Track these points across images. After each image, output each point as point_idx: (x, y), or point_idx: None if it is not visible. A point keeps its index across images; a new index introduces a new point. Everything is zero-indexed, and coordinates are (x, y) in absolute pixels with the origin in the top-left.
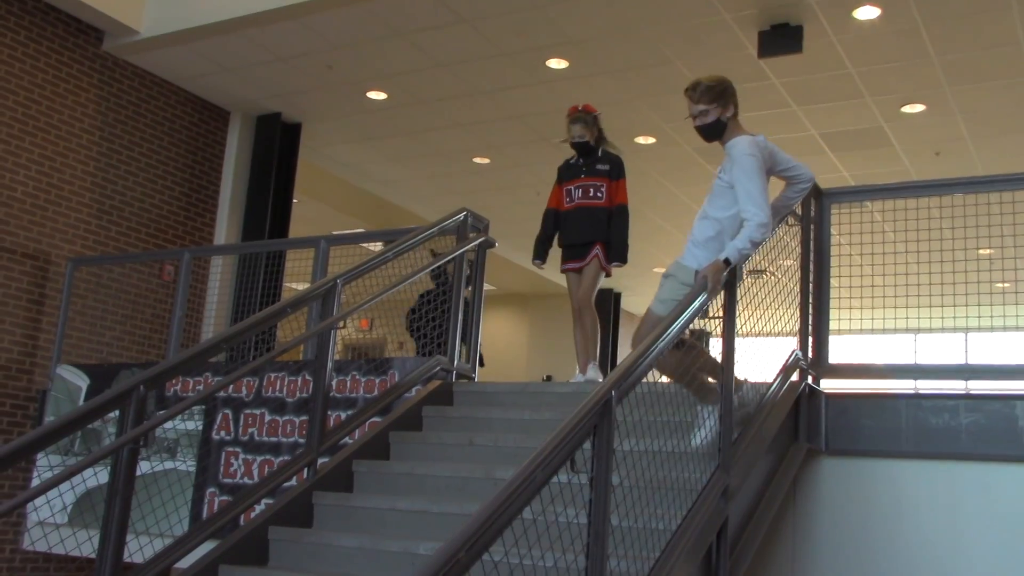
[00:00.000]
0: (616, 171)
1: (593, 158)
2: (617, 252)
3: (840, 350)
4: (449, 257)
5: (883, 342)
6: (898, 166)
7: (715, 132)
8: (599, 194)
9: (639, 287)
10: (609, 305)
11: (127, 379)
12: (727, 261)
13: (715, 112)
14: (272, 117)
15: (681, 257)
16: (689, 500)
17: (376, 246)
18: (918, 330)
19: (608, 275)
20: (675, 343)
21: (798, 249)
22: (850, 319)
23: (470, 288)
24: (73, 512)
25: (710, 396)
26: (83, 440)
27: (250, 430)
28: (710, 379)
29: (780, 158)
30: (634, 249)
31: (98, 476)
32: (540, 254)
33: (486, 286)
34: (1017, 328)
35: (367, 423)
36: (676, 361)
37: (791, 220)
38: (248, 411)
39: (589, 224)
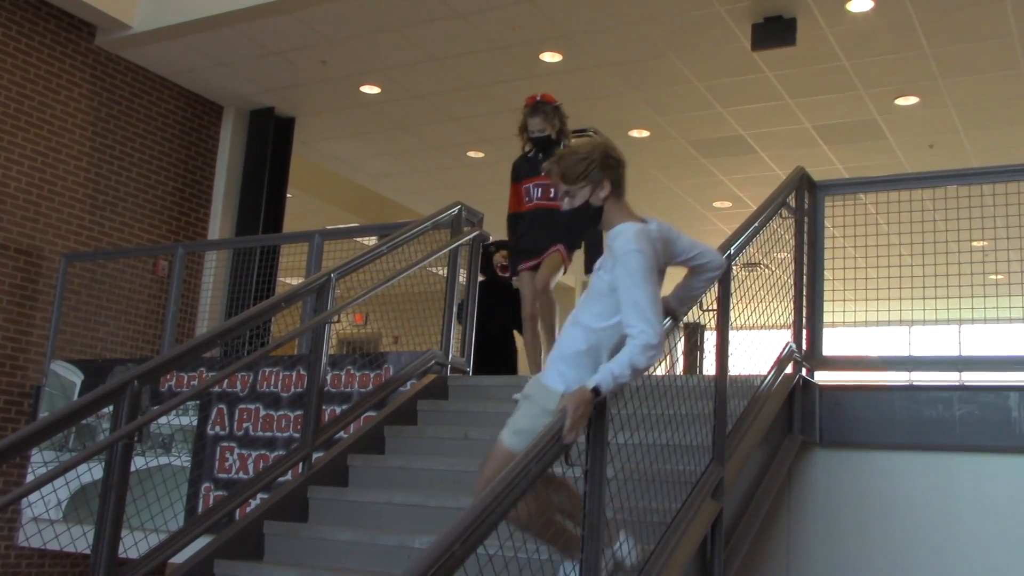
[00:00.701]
0: None
1: (553, 151)
2: (576, 245)
3: (834, 342)
4: (443, 251)
5: (877, 334)
6: (892, 158)
7: (588, 219)
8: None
9: None
10: None
11: (121, 374)
12: (596, 390)
13: (583, 193)
14: (266, 111)
15: (543, 374)
16: (684, 492)
17: (370, 240)
18: (912, 322)
19: (565, 268)
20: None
21: (792, 241)
22: (844, 311)
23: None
24: (68, 508)
25: (572, 546)
26: (77, 436)
27: (245, 425)
28: (571, 524)
29: (679, 247)
30: None
31: (92, 472)
32: (516, 269)
33: (481, 278)
34: (1011, 320)
35: (362, 417)
36: (536, 508)
37: (785, 213)
38: (243, 406)
39: (550, 227)
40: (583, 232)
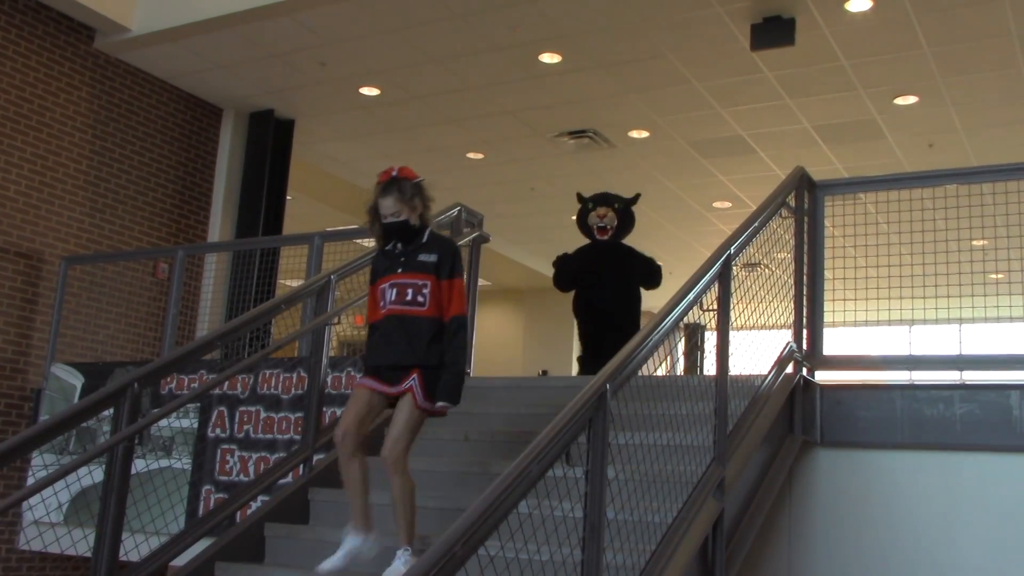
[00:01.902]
0: (447, 264)
1: (415, 245)
2: (447, 387)
3: (835, 342)
4: None
5: (878, 334)
6: (891, 158)
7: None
8: (420, 298)
9: None
10: None
11: (122, 377)
12: None
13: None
14: (265, 114)
15: None
16: (685, 493)
17: (370, 242)
18: (912, 321)
19: (432, 414)
20: None
21: (792, 241)
22: (844, 311)
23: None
24: (68, 511)
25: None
26: (78, 439)
27: (245, 427)
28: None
29: None
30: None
31: (93, 475)
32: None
33: (480, 281)
34: (1011, 318)
35: None
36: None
37: (785, 212)
38: (243, 408)
39: (404, 341)
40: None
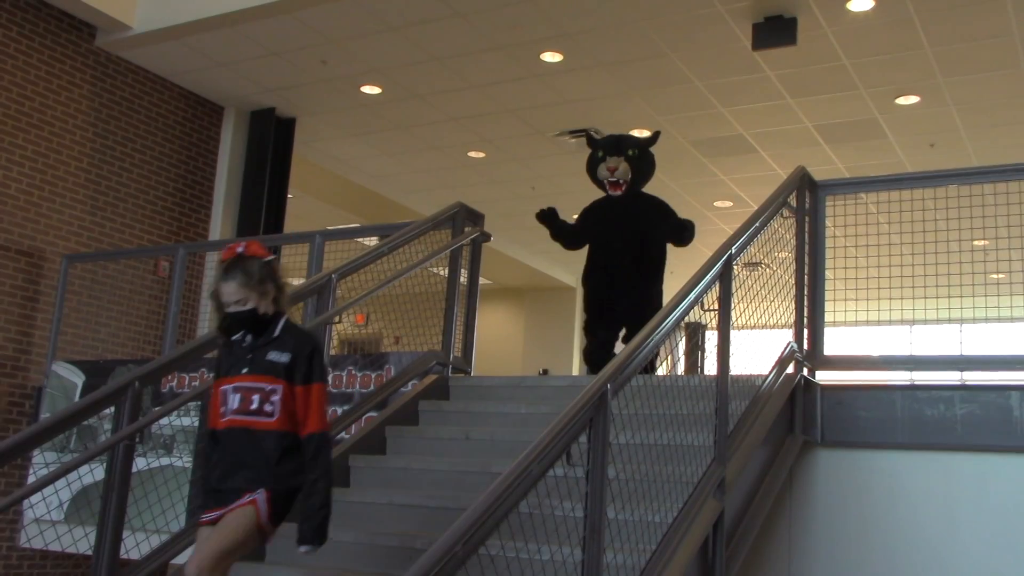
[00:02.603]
0: (302, 366)
1: (266, 339)
2: (312, 526)
3: (835, 342)
4: (444, 251)
5: (878, 334)
6: (893, 158)
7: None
8: (268, 407)
9: None
10: None
11: (123, 375)
12: None
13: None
14: (266, 112)
15: None
16: (685, 493)
17: (371, 241)
18: (913, 322)
19: (267, 538)
20: None
21: (793, 241)
22: (845, 311)
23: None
24: (69, 509)
25: None
26: (79, 437)
27: None
28: None
29: None
30: None
31: (94, 473)
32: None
33: (481, 280)
34: (1012, 319)
35: (363, 418)
36: None
37: (786, 212)
38: None
39: (249, 460)
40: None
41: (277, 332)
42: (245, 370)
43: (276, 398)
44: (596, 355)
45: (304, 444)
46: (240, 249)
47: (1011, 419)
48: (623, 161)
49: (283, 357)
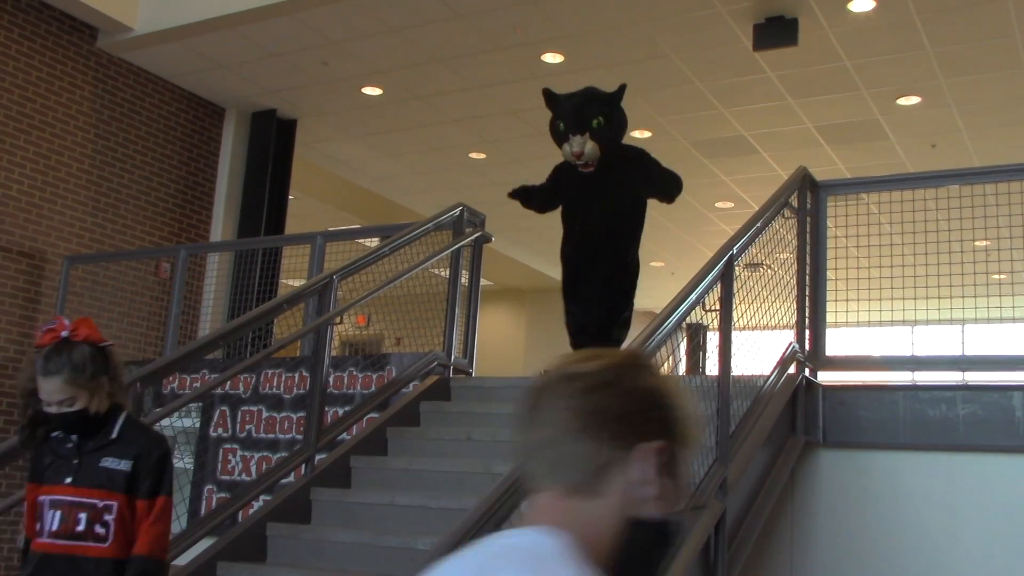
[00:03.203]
0: (150, 474)
1: (99, 442)
2: None
3: (837, 342)
4: (445, 252)
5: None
6: (894, 158)
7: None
8: (100, 528)
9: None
10: None
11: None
12: None
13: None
14: (267, 113)
15: None
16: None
17: (372, 242)
18: (915, 322)
19: None
20: None
21: (794, 242)
22: (847, 311)
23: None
24: None
25: None
26: None
27: (247, 427)
28: None
29: None
30: None
31: None
32: None
33: (482, 281)
34: (1014, 319)
35: (364, 419)
36: None
37: (787, 213)
38: (245, 408)
39: None
40: None
41: (115, 433)
42: (68, 480)
43: (110, 517)
44: (574, 325)
45: (127, 567)
46: (65, 333)
47: (1013, 419)
48: (588, 140)
49: (122, 464)
